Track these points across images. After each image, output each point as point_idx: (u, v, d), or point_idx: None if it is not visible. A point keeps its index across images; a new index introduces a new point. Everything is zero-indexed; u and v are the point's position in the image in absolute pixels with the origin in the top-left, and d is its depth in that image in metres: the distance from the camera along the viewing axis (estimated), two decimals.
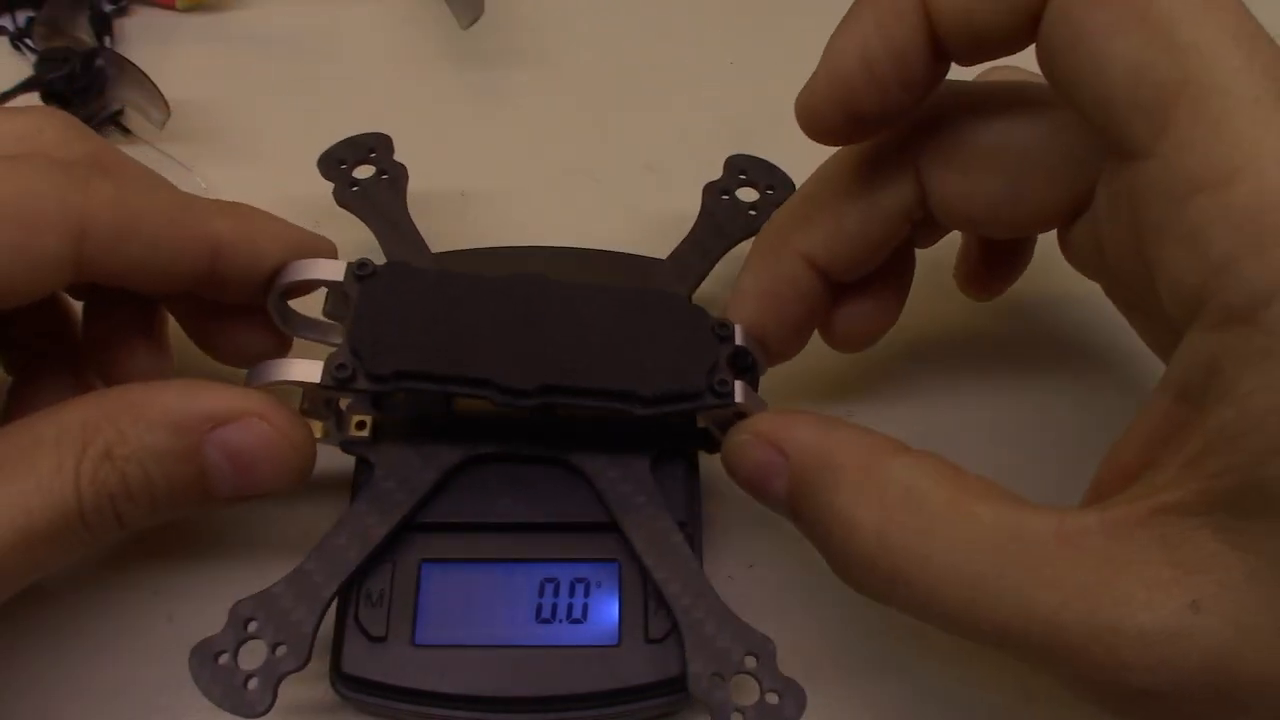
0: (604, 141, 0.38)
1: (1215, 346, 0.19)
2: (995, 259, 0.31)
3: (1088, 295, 0.28)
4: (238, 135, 0.38)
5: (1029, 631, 0.20)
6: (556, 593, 0.26)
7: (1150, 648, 0.19)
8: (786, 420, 0.25)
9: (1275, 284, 0.18)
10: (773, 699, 0.24)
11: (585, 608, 0.26)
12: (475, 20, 0.38)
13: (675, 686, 0.25)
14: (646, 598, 0.26)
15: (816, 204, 0.28)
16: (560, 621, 0.26)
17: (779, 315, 0.28)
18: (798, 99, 0.25)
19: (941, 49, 0.23)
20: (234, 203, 0.27)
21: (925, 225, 0.27)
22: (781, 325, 0.28)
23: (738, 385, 0.26)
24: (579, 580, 0.26)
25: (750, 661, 0.24)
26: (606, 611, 0.26)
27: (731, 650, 0.24)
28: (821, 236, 0.27)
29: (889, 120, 0.25)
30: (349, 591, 0.25)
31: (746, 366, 0.28)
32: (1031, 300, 0.34)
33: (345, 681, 0.25)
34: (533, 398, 0.25)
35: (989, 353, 0.33)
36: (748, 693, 0.24)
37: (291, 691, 0.24)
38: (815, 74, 0.24)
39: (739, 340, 0.27)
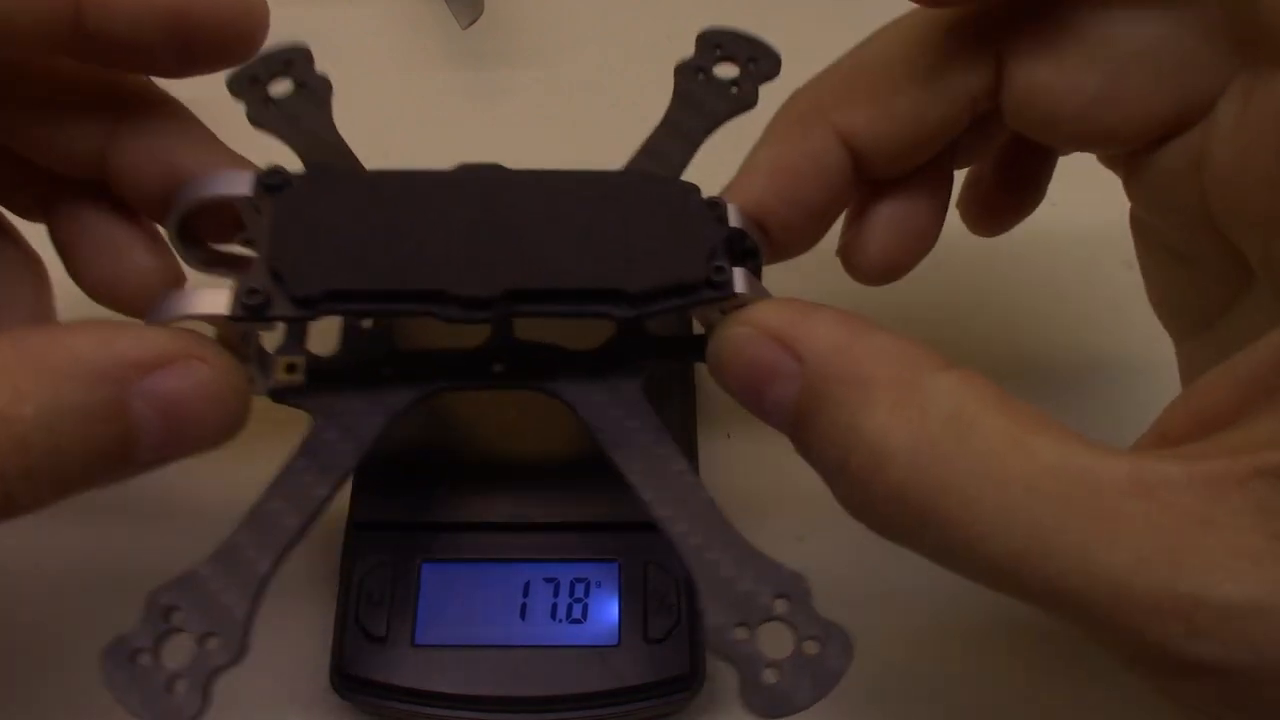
0: (604, 141, 0.38)
1: None
2: (1011, 185, 0.28)
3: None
4: (238, 135, 0.37)
5: (1091, 594, 0.17)
6: (556, 593, 0.26)
7: (1230, 622, 0.16)
8: (801, 314, 0.20)
9: None
10: (812, 648, 0.19)
11: (585, 608, 0.26)
12: (475, 20, 0.38)
13: (675, 686, 0.25)
14: (646, 597, 0.26)
15: (865, 74, 0.24)
16: (560, 621, 0.26)
17: (794, 196, 0.24)
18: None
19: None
20: None
21: (981, 129, 0.24)
22: (795, 208, 0.24)
23: (738, 273, 0.22)
24: (579, 580, 0.26)
25: (781, 605, 0.20)
26: (606, 612, 0.26)
27: (757, 593, 0.20)
28: (866, 110, 0.23)
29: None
30: (348, 591, 0.25)
31: (747, 250, 0.23)
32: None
33: (345, 681, 0.25)
34: (496, 308, 0.21)
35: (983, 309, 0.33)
36: (780, 643, 0.19)
37: (291, 691, 0.24)
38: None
39: (734, 221, 0.23)
